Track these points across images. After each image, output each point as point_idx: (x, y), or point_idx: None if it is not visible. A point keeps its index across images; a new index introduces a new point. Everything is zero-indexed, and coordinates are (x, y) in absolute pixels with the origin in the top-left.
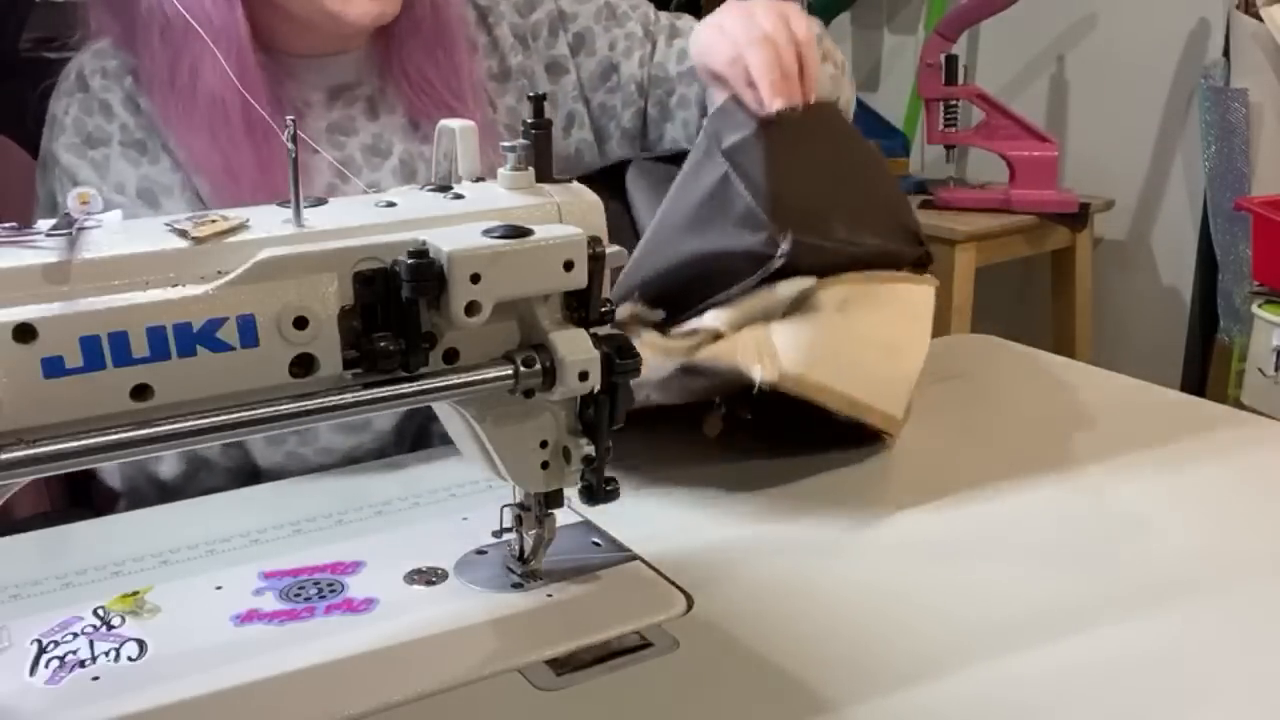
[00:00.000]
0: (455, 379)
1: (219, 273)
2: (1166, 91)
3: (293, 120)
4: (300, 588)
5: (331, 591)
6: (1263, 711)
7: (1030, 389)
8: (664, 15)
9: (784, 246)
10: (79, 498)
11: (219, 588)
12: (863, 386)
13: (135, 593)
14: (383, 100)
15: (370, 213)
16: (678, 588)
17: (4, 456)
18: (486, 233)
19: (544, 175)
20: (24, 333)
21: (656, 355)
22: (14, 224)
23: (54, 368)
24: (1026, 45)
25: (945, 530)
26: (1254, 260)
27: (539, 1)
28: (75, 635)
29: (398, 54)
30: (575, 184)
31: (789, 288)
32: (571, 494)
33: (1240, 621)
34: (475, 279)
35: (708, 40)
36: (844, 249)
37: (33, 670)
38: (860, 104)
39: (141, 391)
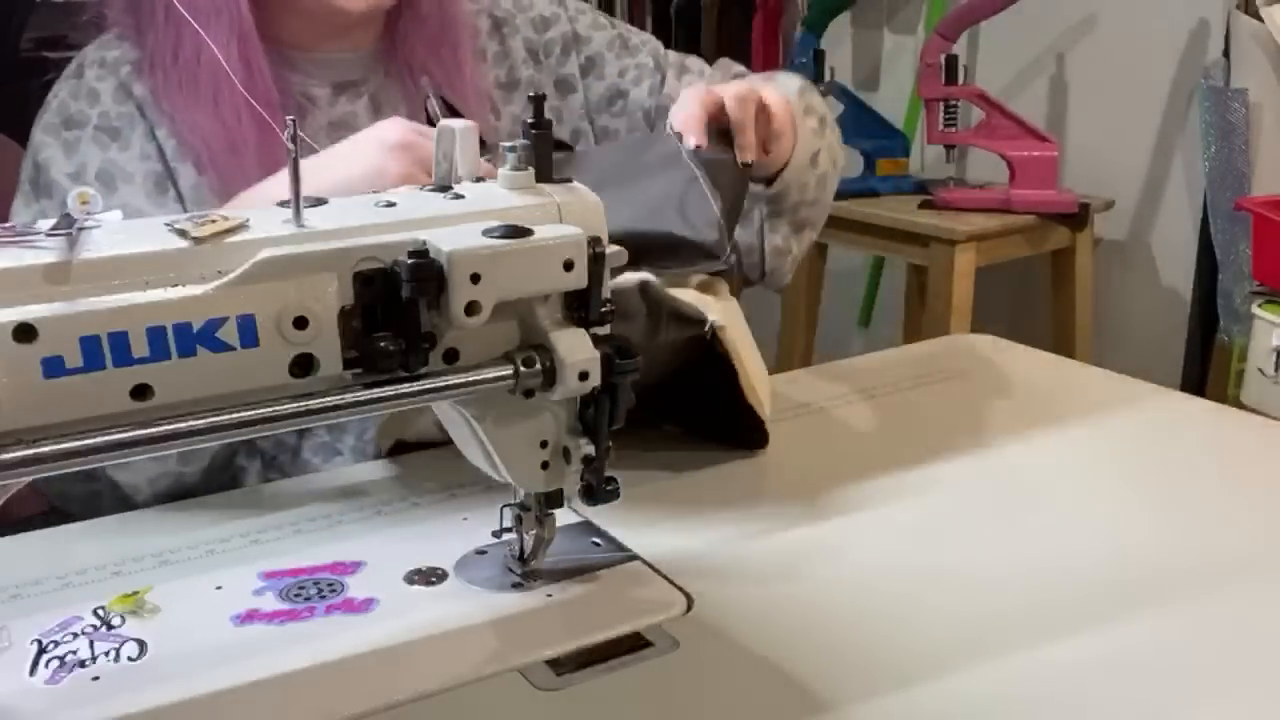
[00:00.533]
0: (455, 379)
1: (219, 273)
2: (1166, 91)
3: (293, 120)
4: (300, 588)
5: (331, 591)
6: (1263, 711)
7: (1030, 389)
8: (673, 54)
9: (731, 256)
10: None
11: (219, 588)
12: (756, 371)
13: (135, 593)
14: (386, 98)
15: (370, 213)
16: (678, 588)
17: (4, 456)
18: (486, 233)
19: (544, 175)
20: (24, 333)
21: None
22: (14, 224)
23: (54, 368)
24: (1026, 45)
25: (946, 530)
26: (1254, 260)
27: (554, 20)
28: (75, 635)
29: (401, 51)
30: (575, 184)
31: (694, 278)
32: (571, 494)
33: (1241, 621)
34: (475, 279)
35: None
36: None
37: (33, 670)
38: (860, 104)
39: (141, 391)
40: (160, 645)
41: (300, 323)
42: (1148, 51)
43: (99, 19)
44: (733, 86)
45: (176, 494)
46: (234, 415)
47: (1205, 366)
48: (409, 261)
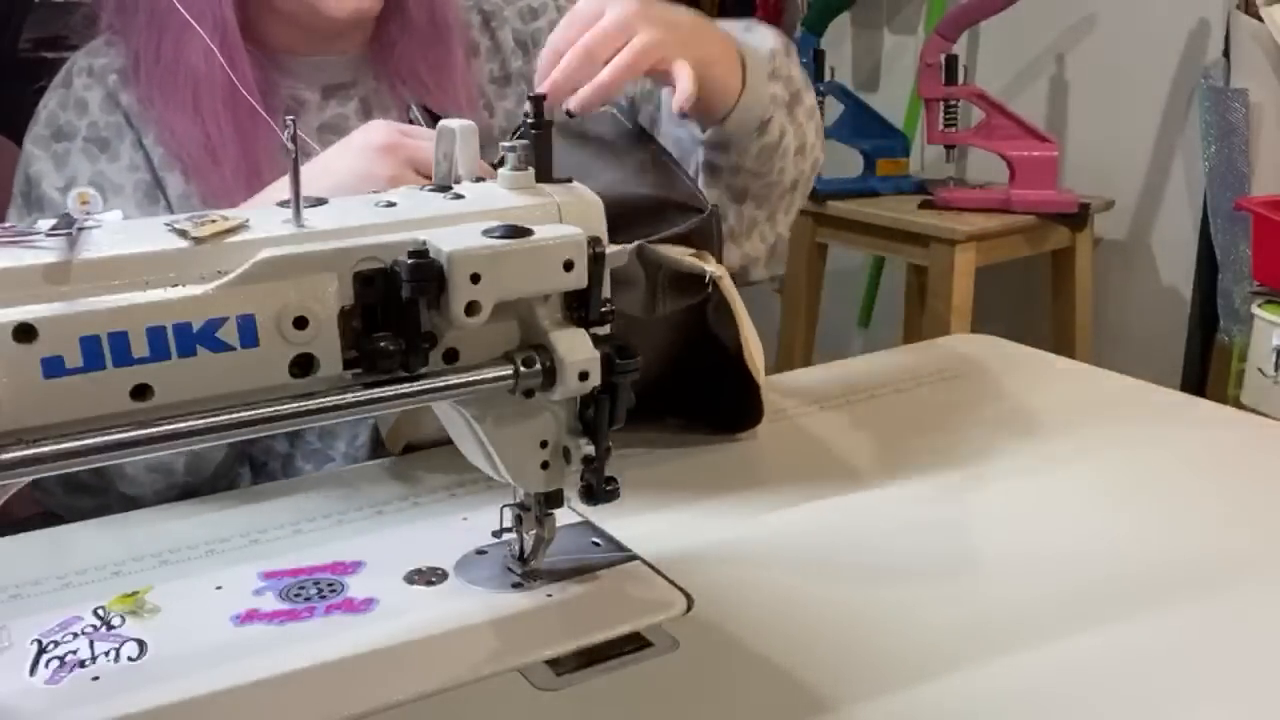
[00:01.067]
0: (455, 379)
1: (219, 273)
2: (1166, 91)
3: (293, 120)
4: (300, 588)
5: (331, 591)
6: (1263, 712)
7: (1030, 389)
8: None
9: (711, 204)
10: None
11: (219, 588)
12: (751, 335)
13: (135, 593)
14: (377, 100)
15: (370, 213)
16: (678, 588)
17: (4, 456)
18: (486, 233)
19: (544, 175)
20: (24, 333)
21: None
22: (14, 224)
23: (54, 368)
24: (1026, 45)
25: (946, 530)
26: (1254, 260)
27: (541, 10)
28: (75, 635)
29: (392, 54)
30: (575, 184)
31: (681, 250)
32: (571, 494)
33: (1241, 621)
34: (475, 279)
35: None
36: None
37: (33, 670)
38: (860, 104)
39: (141, 391)
40: (160, 645)
41: (300, 323)
42: (1148, 51)
43: (91, 19)
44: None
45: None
46: (234, 415)
47: (1205, 366)
48: (409, 261)
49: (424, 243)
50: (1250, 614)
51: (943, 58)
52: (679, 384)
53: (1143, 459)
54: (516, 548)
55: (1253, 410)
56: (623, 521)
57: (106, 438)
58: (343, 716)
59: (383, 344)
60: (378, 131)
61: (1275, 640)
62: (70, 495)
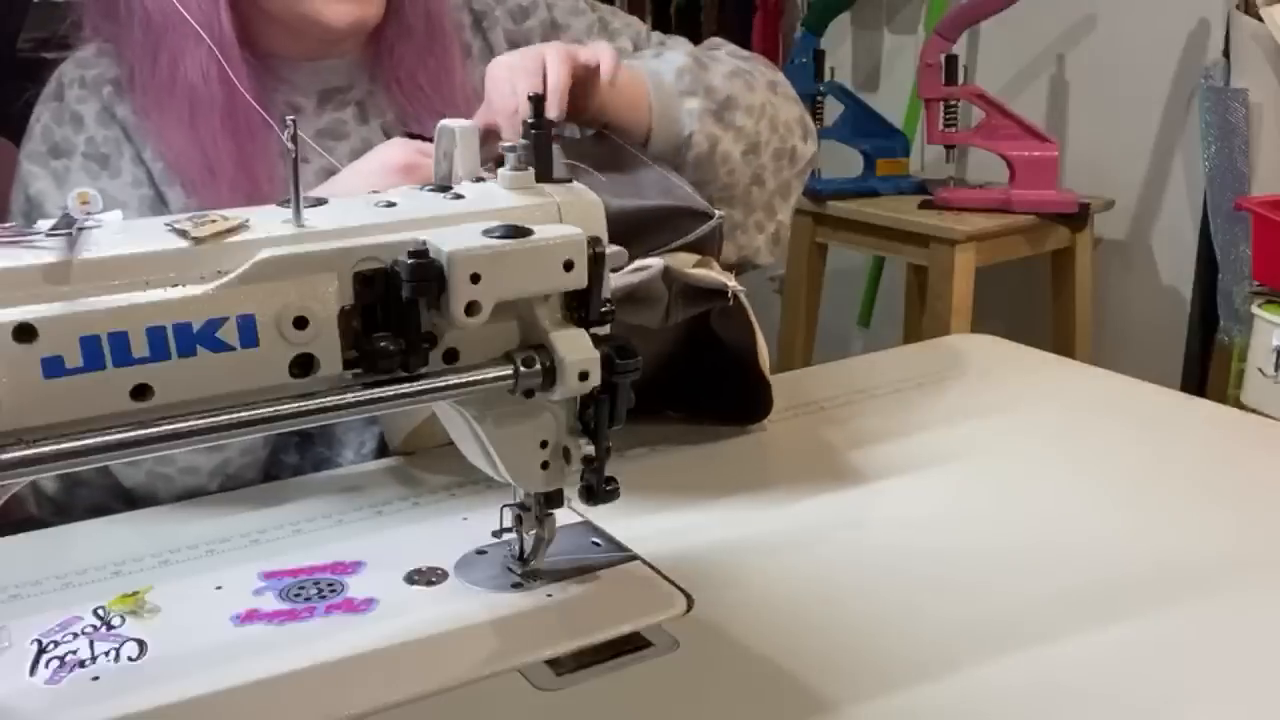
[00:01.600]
0: (455, 379)
1: (219, 273)
2: (1166, 91)
3: (293, 120)
4: (300, 588)
5: (331, 591)
6: (1262, 712)
7: (1030, 389)
8: (655, 34)
9: (720, 212)
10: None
11: (219, 588)
12: (759, 340)
13: (135, 593)
14: (373, 105)
15: (370, 213)
16: (678, 588)
17: (4, 456)
18: (486, 233)
19: (544, 175)
20: (24, 333)
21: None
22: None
23: (54, 368)
24: (1026, 45)
25: (946, 530)
26: (1254, 260)
27: (533, 9)
28: (75, 635)
29: (388, 59)
30: (575, 184)
31: (688, 258)
32: (571, 494)
33: (1241, 621)
34: (475, 279)
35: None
36: None
37: (33, 670)
38: (860, 104)
39: (141, 391)
40: (160, 645)
41: (300, 323)
42: (1148, 51)
43: (79, 24)
44: (551, 52)
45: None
46: (234, 415)
47: (1205, 366)
48: (409, 261)
49: (424, 243)
50: (1250, 614)
51: (943, 58)
52: (681, 379)
53: (1143, 459)
54: (516, 548)
55: (1253, 410)
56: (623, 521)
57: (106, 438)
58: (343, 716)
59: (383, 344)
60: (396, 151)
61: (1275, 640)
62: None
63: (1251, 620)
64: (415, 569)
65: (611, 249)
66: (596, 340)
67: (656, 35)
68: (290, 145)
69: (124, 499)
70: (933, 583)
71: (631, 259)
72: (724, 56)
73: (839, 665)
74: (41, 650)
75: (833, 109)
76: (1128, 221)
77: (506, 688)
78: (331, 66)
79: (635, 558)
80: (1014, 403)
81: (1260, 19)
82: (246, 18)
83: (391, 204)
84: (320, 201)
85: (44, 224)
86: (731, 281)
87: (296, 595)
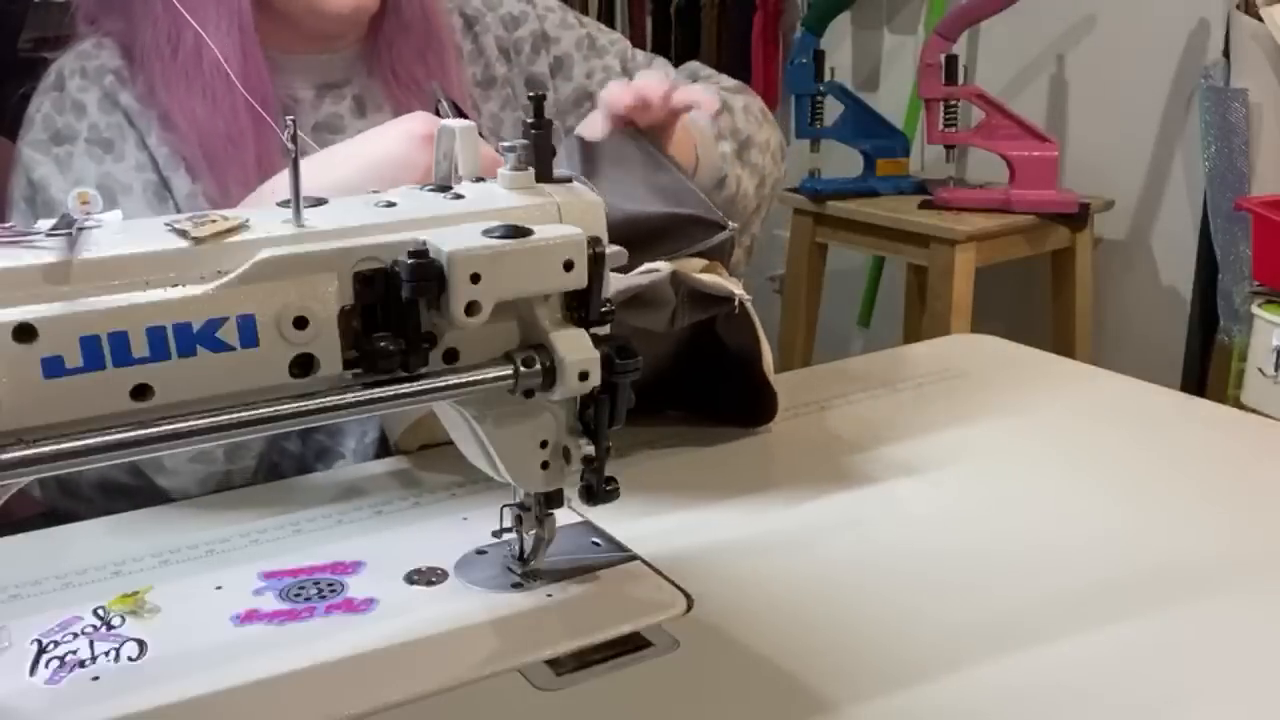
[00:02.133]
0: (455, 379)
1: (219, 273)
2: (1166, 91)
3: (293, 120)
4: (300, 588)
5: (331, 591)
6: (1262, 712)
7: (1030, 389)
8: (640, 54)
9: (732, 224)
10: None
11: (219, 588)
12: (764, 347)
13: (135, 593)
14: (370, 99)
15: (370, 213)
16: (678, 588)
17: (4, 456)
18: (486, 233)
19: (544, 175)
20: (24, 333)
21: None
22: (14, 224)
23: (54, 368)
24: (1026, 45)
25: (946, 530)
26: (1254, 260)
27: (524, 19)
28: (75, 635)
29: (386, 55)
30: (575, 184)
31: (697, 263)
32: (571, 494)
33: (1241, 621)
34: (475, 279)
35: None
36: None
37: (33, 670)
38: (860, 104)
39: (141, 391)
40: (160, 645)
41: (300, 323)
42: (1148, 51)
43: (78, 19)
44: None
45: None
46: (234, 415)
47: (1205, 366)
48: (409, 261)
49: (424, 243)
50: (1250, 614)
51: (943, 58)
52: (685, 381)
53: (1143, 459)
54: (516, 548)
55: (1253, 410)
56: (623, 522)
57: (106, 438)
58: (343, 716)
59: (383, 344)
60: (420, 122)
61: (1275, 640)
62: (109, 500)
63: (1251, 620)
64: (415, 569)
65: (612, 249)
66: (596, 340)
67: (642, 55)
68: (290, 145)
69: (129, 469)
70: (933, 582)
71: (641, 263)
72: (729, 89)
73: (839, 665)
74: (41, 650)
75: (833, 109)
76: (1128, 221)
77: (506, 688)
78: (329, 60)
79: (635, 558)
80: (1013, 403)
81: (1260, 19)
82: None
83: (391, 204)
84: (320, 201)
85: (44, 224)
86: (738, 289)
87: (296, 595)
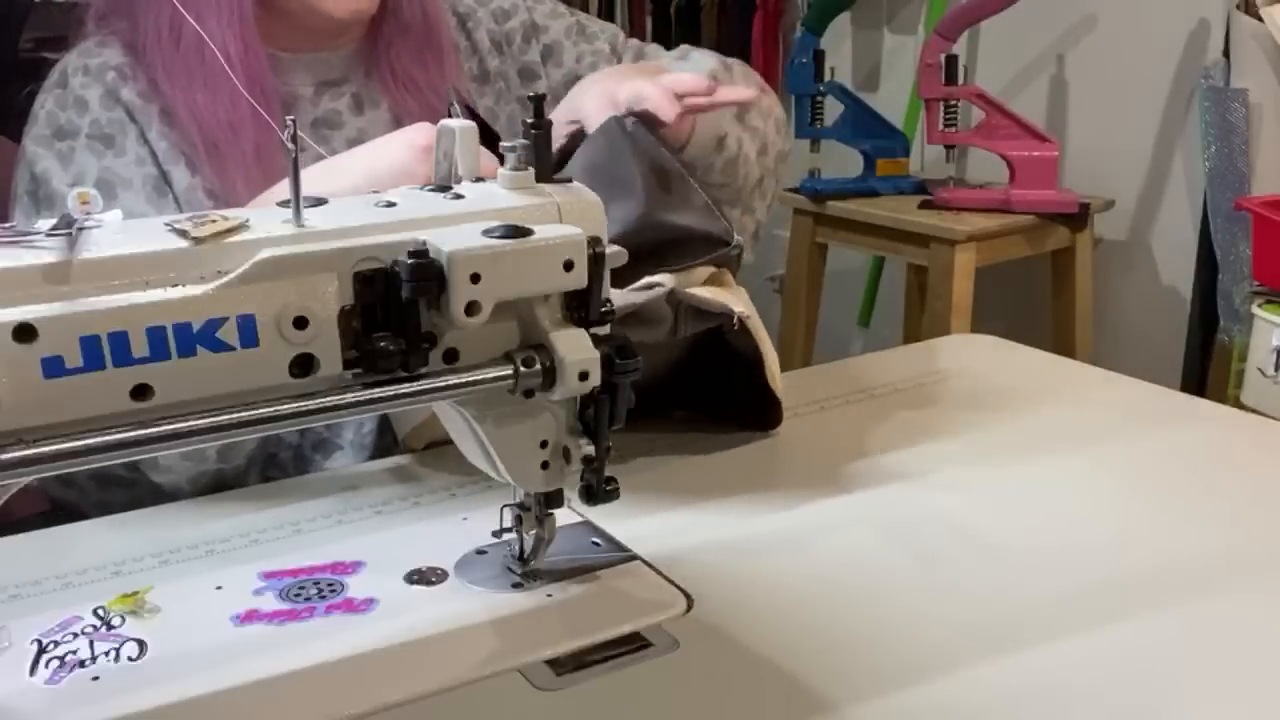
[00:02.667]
0: (455, 379)
1: (219, 273)
2: (1166, 91)
3: (293, 120)
4: (300, 588)
5: (331, 591)
6: (1262, 712)
7: (1030, 389)
8: (633, 41)
9: (738, 239)
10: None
11: (219, 588)
12: (772, 356)
13: (135, 593)
14: (368, 97)
15: (370, 213)
16: (678, 588)
17: (4, 456)
18: (486, 233)
19: (544, 175)
20: (24, 333)
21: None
22: (16, 217)
23: (54, 368)
24: (1026, 45)
25: (946, 531)
26: (1254, 260)
27: (514, 11)
28: (75, 635)
29: (385, 53)
30: (575, 184)
31: (703, 272)
32: (571, 494)
33: (1241, 621)
34: (475, 279)
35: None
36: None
37: (33, 670)
38: (860, 104)
39: (141, 391)
40: (160, 645)
41: (300, 323)
42: (1148, 51)
43: (82, 20)
44: (652, 83)
45: (220, 490)
46: (234, 415)
47: (1205, 366)
48: (409, 261)
49: (424, 243)
50: (1250, 614)
51: (943, 58)
52: (691, 383)
53: (1143, 459)
54: (516, 548)
55: (1253, 410)
56: (623, 521)
57: (106, 438)
58: (343, 716)
59: (383, 344)
60: (422, 133)
61: (1275, 640)
62: (103, 490)
63: (1251, 620)
64: (415, 569)
65: (612, 249)
66: (596, 340)
67: (634, 42)
68: (290, 145)
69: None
70: (932, 583)
71: (645, 274)
72: (733, 62)
73: (839, 665)
74: (41, 650)
75: (833, 109)
76: (1128, 221)
77: (506, 688)
78: (328, 58)
79: (635, 558)
80: (1013, 403)
81: (1260, 19)
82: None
83: (391, 204)
84: (320, 201)
85: (44, 224)
86: (739, 306)
87: (296, 595)
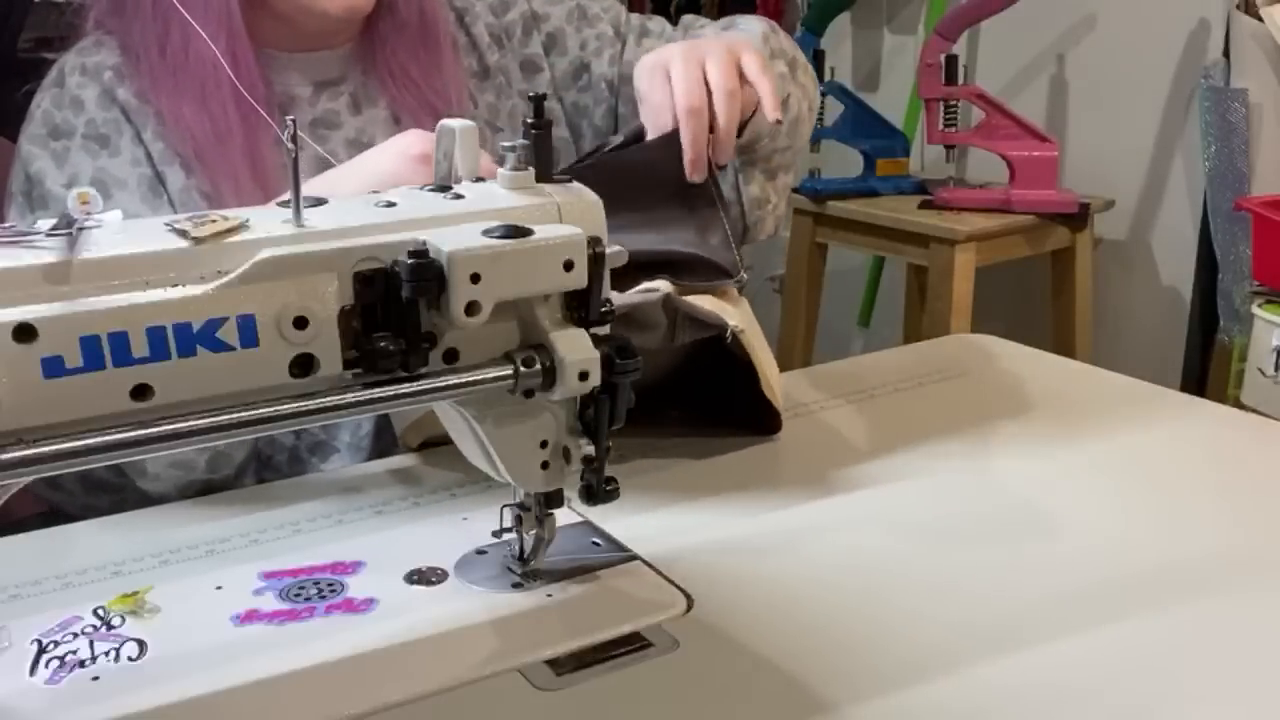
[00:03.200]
0: (455, 379)
1: (219, 273)
2: (1166, 91)
3: (293, 120)
4: (300, 588)
5: (331, 591)
6: (1262, 712)
7: (1030, 389)
8: (635, 16)
9: (744, 274)
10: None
11: (219, 588)
12: (771, 369)
13: (135, 593)
14: (366, 96)
15: (370, 213)
16: (678, 588)
17: (4, 456)
18: (486, 233)
19: (544, 175)
20: (24, 333)
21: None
22: (12, 217)
23: (54, 368)
24: (1026, 45)
25: (946, 530)
26: (1254, 260)
27: (512, 2)
28: (75, 635)
29: (382, 52)
30: (575, 184)
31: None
32: (571, 494)
33: (1241, 621)
34: (475, 279)
35: (648, 87)
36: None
37: (33, 670)
38: (860, 104)
39: (141, 391)
40: (160, 645)
41: (300, 323)
42: (1148, 51)
43: (81, 17)
44: (716, 75)
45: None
46: (234, 415)
47: (1205, 366)
48: (409, 261)
49: (424, 243)
50: (1250, 614)
51: (943, 58)
52: (689, 384)
53: (1143, 459)
54: (516, 548)
55: (1253, 410)
56: (623, 521)
57: (106, 438)
58: (343, 716)
59: (383, 344)
60: (414, 141)
61: (1275, 640)
62: (89, 494)
63: (1252, 620)
64: (415, 569)
65: (612, 249)
66: (596, 340)
67: (636, 18)
68: (290, 145)
69: (112, 466)
70: (932, 583)
71: (644, 281)
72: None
73: (839, 665)
74: (41, 650)
75: (833, 109)
76: (1128, 221)
77: (506, 688)
78: (325, 58)
79: (635, 558)
80: (1013, 403)
81: (1260, 19)
82: (243, 9)
83: (391, 204)
84: (320, 201)
85: (44, 224)
86: (734, 320)
87: (296, 595)
